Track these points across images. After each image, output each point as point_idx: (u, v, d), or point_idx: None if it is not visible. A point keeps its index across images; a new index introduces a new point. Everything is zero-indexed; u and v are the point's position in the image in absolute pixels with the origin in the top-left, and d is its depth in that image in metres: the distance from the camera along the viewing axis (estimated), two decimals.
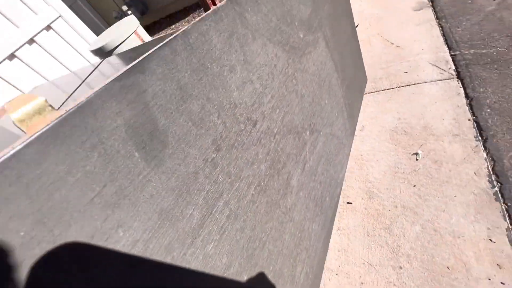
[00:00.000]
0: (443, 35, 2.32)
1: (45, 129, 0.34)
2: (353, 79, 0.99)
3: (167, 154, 0.43)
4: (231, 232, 0.46)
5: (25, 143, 0.32)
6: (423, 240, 1.36)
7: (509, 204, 1.34)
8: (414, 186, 1.56)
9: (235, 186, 0.45)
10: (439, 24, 2.44)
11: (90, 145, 0.38)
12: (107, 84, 0.40)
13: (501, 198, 1.36)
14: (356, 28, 1.69)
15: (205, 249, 0.45)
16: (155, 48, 0.42)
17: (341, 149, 0.93)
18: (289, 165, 0.53)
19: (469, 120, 1.70)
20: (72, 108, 0.37)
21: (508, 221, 1.28)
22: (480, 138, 1.59)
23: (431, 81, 2.00)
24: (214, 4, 0.64)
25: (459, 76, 1.94)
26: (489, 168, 1.46)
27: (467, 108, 1.76)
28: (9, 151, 0.32)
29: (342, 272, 1.42)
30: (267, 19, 0.50)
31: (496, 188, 1.39)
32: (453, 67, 2.02)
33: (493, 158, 1.49)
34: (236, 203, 0.47)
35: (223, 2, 0.42)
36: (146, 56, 0.41)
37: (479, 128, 1.64)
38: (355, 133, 1.97)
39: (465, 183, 1.45)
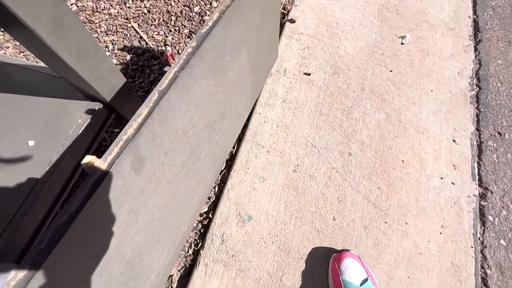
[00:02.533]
0: None
1: None
2: (262, 65, 1.01)
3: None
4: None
5: None
6: (383, 130, 1.06)
7: (481, 109, 1.13)
8: (391, 71, 1.19)
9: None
10: None
11: None
12: None
13: (475, 102, 1.14)
14: None
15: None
16: None
17: (239, 121, 0.97)
18: (202, 147, 0.71)
19: (469, 17, 1.36)
20: None
21: (475, 125, 1.08)
22: (473, 39, 1.30)
23: None
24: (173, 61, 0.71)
25: None
26: (474, 71, 1.21)
27: (471, 4, 1.41)
28: None
29: (275, 150, 1.03)
30: (207, 64, 0.60)
31: (474, 92, 1.16)
32: None
33: (480, 62, 1.24)
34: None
35: (177, 67, 0.52)
36: None
37: (476, 28, 1.33)
38: None
39: (446, 80, 1.17)
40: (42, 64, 0.94)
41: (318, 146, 1.03)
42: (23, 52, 1.29)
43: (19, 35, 0.53)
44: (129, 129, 0.46)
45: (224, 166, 1.04)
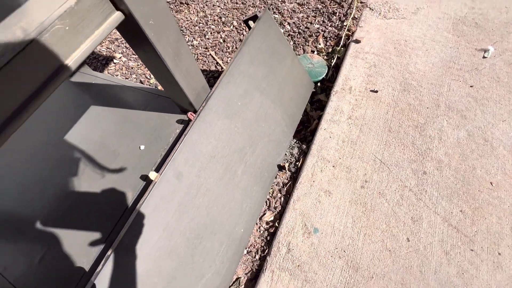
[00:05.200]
0: None
1: None
2: (292, 97, 1.13)
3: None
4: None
5: None
6: (464, 148, 0.98)
7: None
8: (471, 86, 1.11)
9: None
10: None
11: None
12: None
13: None
14: None
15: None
16: None
17: (279, 145, 1.07)
18: (236, 167, 0.89)
19: None
20: None
21: None
22: None
23: None
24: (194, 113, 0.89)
25: None
26: None
27: None
28: None
29: (341, 165, 1.04)
30: (217, 112, 0.83)
31: None
32: None
33: None
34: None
35: (194, 119, 0.76)
36: None
37: None
38: (404, 16, 1.41)
39: None
40: (147, 86, 1.17)
41: (387, 163, 1.00)
42: (127, 79, 1.62)
43: (151, 61, 0.70)
44: (168, 156, 0.73)
45: (272, 182, 1.09)
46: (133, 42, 0.63)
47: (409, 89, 1.16)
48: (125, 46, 1.81)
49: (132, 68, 1.67)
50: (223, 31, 1.68)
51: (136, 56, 1.74)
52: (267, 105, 1.03)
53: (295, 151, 1.16)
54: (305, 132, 1.25)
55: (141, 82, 1.54)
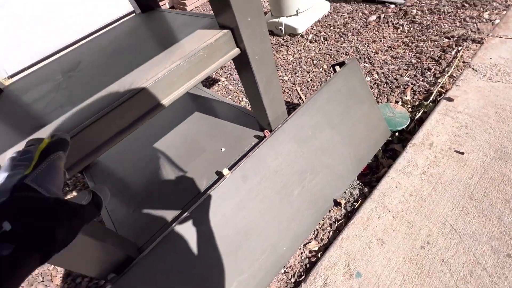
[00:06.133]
0: None
1: None
2: (362, 140, 1.18)
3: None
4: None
5: None
6: None
7: None
8: None
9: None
10: None
11: None
12: None
13: None
14: None
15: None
16: None
17: (340, 181, 1.12)
18: (293, 187, 0.98)
19: None
20: None
21: None
22: None
23: None
24: (270, 132, 1.01)
25: None
26: None
27: None
28: None
29: (402, 218, 0.98)
30: (288, 135, 0.98)
31: None
32: None
33: None
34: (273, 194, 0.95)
35: (268, 136, 0.94)
36: None
37: None
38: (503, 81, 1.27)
39: None
40: (238, 105, 1.43)
41: (460, 231, 0.90)
42: (225, 97, 1.96)
43: (248, 85, 0.89)
44: (241, 161, 0.86)
45: (324, 215, 1.09)
46: (240, 70, 0.85)
47: (506, 159, 1.03)
48: (229, 73, 2.21)
49: (230, 90, 2.03)
50: (312, 72, 1.86)
51: (235, 81, 2.10)
52: (336, 140, 1.10)
53: (356, 192, 1.16)
54: (371, 177, 1.23)
55: (234, 101, 1.85)
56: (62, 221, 0.29)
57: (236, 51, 0.75)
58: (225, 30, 0.71)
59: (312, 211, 1.05)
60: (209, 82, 2.20)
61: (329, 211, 1.12)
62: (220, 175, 0.98)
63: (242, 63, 0.79)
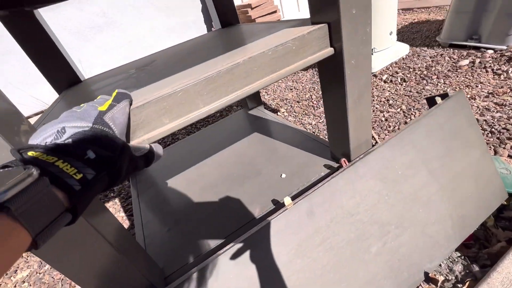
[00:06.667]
0: None
1: None
2: (470, 199, 0.87)
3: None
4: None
5: None
6: None
7: None
8: None
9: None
10: None
11: None
12: None
13: None
14: None
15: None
16: None
17: (435, 247, 0.80)
18: (371, 241, 0.73)
19: None
20: None
21: None
22: None
23: None
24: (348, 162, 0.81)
25: None
26: None
27: None
28: None
29: None
30: (372, 170, 0.76)
31: None
32: None
33: None
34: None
35: (346, 166, 0.73)
36: None
37: None
38: None
39: None
40: (304, 129, 1.27)
41: None
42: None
43: (333, 99, 0.73)
44: (306, 192, 0.70)
45: None
46: (326, 76, 0.70)
47: None
48: (290, 105, 2.12)
49: (290, 121, 1.91)
50: (387, 112, 1.64)
51: (296, 113, 1.98)
52: (433, 190, 0.83)
53: (458, 268, 0.82)
54: (478, 251, 0.88)
55: None
56: (125, 161, 0.33)
57: (329, 50, 0.61)
58: (321, 24, 0.59)
59: (393, 283, 0.75)
60: (268, 110, 2.14)
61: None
62: (277, 205, 0.78)
63: (332, 67, 0.65)
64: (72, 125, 0.31)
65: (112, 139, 0.32)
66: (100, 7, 3.42)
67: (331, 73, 0.66)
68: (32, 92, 3.25)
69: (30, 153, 0.27)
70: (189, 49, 0.90)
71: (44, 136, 0.30)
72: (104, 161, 0.30)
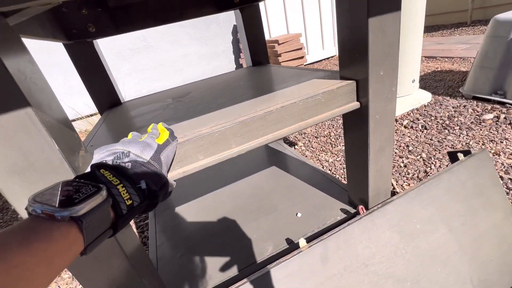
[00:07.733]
0: None
1: None
2: (493, 261, 0.83)
3: None
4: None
5: None
6: None
7: None
8: None
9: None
10: None
11: None
12: None
13: None
14: None
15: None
16: None
17: None
18: None
19: None
20: None
21: None
22: None
23: None
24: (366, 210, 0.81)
25: None
26: None
27: None
28: None
29: None
30: (390, 221, 0.76)
31: None
32: None
33: None
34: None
35: (363, 214, 0.74)
36: None
37: None
38: None
39: None
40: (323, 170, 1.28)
41: None
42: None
43: (354, 149, 0.76)
44: (321, 236, 0.70)
45: None
46: (350, 128, 0.73)
47: None
48: (308, 140, 2.15)
49: (306, 156, 1.92)
50: (407, 158, 1.62)
51: (313, 148, 2.01)
52: (453, 249, 0.81)
53: None
54: None
55: None
56: (162, 194, 0.38)
57: (355, 104, 0.65)
58: (349, 81, 0.64)
59: None
60: (286, 143, 2.17)
61: None
62: (291, 245, 0.78)
63: (356, 119, 0.68)
64: (135, 152, 0.37)
65: (161, 176, 0.38)
66: (142, 32, 3.77)
67: (355, 124, 0.70)
68: (69, 103, 3.52)
69: (102, 171, 0.33)
70: (223, 85, 0.98)
71: (109, 153, 0.37)
72: (150, 193, 0.35)
